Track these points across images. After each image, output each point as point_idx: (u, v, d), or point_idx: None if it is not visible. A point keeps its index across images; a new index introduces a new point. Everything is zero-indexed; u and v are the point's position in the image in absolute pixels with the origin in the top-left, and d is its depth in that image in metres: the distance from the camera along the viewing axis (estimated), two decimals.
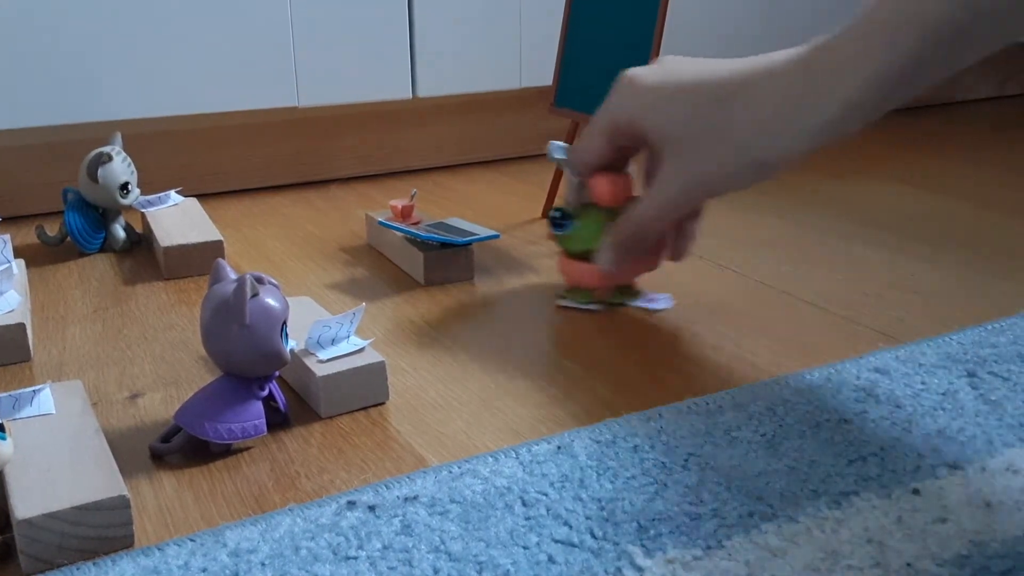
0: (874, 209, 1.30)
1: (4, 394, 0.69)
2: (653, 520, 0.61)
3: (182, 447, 0.71)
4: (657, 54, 1.06)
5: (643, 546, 0.59)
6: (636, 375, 0.82)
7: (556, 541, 0.59)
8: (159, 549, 0.59)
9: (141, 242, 1.15)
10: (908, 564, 0.56)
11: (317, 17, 1.31)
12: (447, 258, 1.03)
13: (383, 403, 0.78)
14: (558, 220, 0.89)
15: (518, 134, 1.56)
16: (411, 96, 1.41)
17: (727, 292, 1.01)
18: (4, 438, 0.59)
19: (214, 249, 1.05)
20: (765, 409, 0.75)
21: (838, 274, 1.05)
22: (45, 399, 0.70)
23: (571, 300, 0.95)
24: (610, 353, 0.86)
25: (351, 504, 0.63)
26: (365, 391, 0.77)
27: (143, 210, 1.14)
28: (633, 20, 1.09)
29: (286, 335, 0.72)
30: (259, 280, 0.72)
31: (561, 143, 0.93)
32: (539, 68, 1.47)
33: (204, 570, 0.57)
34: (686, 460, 0.68)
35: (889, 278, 1.04)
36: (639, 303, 0.95)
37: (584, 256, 0.90)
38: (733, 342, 0.88)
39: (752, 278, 1.05)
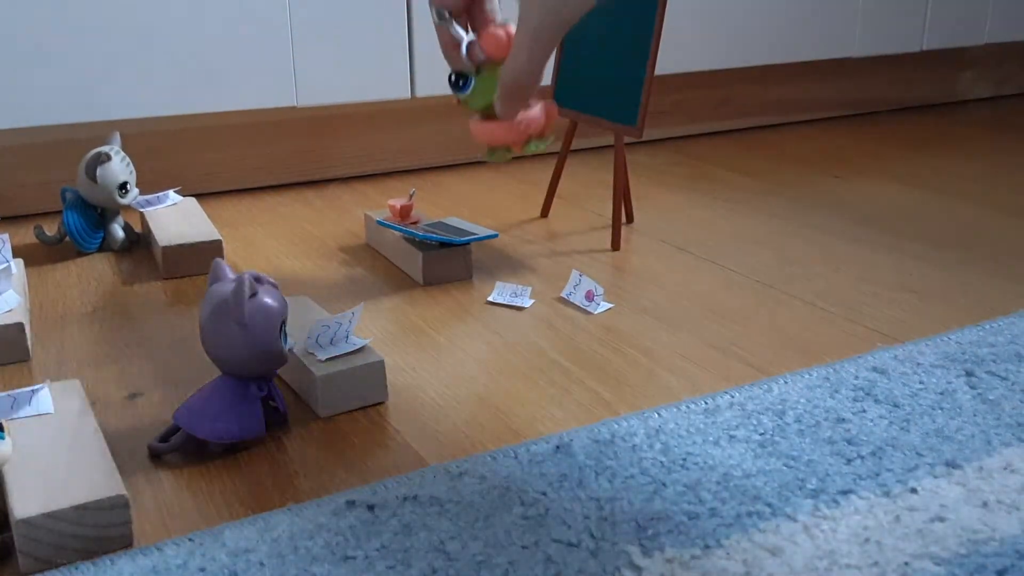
0: (873, 209, 1.30)
1: (3, 394, 0.69)
2: (651, 519, 0.61)
3: (181, 447, 0.71)
4: (656, 54, 1.06)
5: (641, 545, 0.59)
6: (635, 375, 0.82)
7: (555, 541, 0.59)
8: (158, 549, 0.59)
9: (140, 242, 1.14)
10: (906, 563, 0.56)
11: (316, 17, 1.31)
12: (446, 258, 1.03)
13: (382, 403, 0.78)
14: (456, 82, 0.89)
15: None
16: (410, 96, 1.41)
17: (726, 292, 1.01)
18: (3, 437, 0.59)
19: (213, 249, 1.05)
20: (763, 408, 0.75)
21: (837, 274, 1.05)
22: (44, 399, 0.70)
23: (493, 159, 0.93)
24: (609, 353, 0.86)
25: (350, 504, 0.63)
26: (364, 390, 0.77)
27: (142, 210, 1.14)
28: (632, 20, 1.09)
29: (285, 334, 0.72)
30: (258, 280, 0.72)
31: (442, 8, 0.90)
32: None
33: (203, 570, 0.57)
34: (684, 459, 0.68)
35: (887, 278, 1.04)
36: (581, 304, 0.95)
37: (490, 110, 0.88)
38: (732, 342, 0.88)
39: (751, 278, 1.05)
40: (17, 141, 1.22)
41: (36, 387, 0.71)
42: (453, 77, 0.90)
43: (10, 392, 0.69)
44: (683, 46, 1.57)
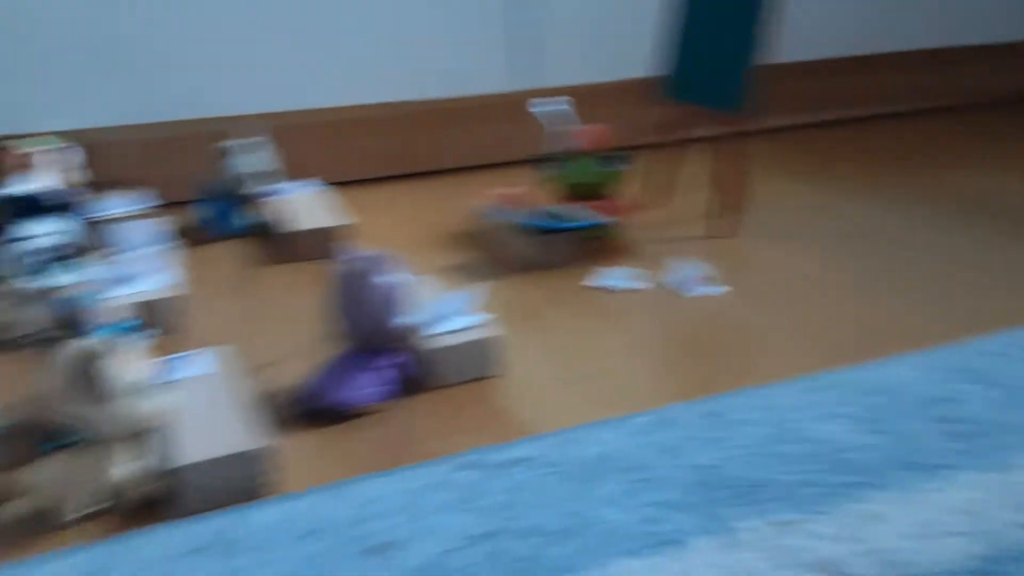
0: (989, 200, 1.27)
1: (166, 357, 0.77)
2: (753, 487, 0.64)
3: (315, 410, 0.77)
4: (768, 43, 1.07)
5: (742, 508, 0.62)
6: (740, 355, 0.85)
7: (659, 503, 0.63)
8: (297, 496, 0.65)
9: (275, 227, 1.23)
10: (1005, 532, 0.57)
11: (437, 14, 1.37)
12: (553, 243, 1.07)
13: (496, 376, 0.83)
14: (548, 162, 1.14)
15: (628, 125, 1.58)
16: (527, 88, 1.45)
17: (834, 278, 1.01)
18: (159, 393, 0.67)
19: (341, 233, 1.13)
20: (869, 388, 0.76)
21: (945, 263, 1.04)
22: (201, 362, 0.78)
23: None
24: (715, 334, 0.89)
25: (469, 463, 0.68)
26: (479, 364, 0.83)
27: (277, 197, 1.22)
28: (742, 9, 1.11)
29: (406, 310, 0.78)
30: (382, 259, 0.78)
31: (541, 99, 1.17)
32: (649, 59, 1.49)
33: (337, 515, 0.63)
34: (788, 433, 0.70)
35: (986, 266, 1.03)
36: (687, 288, 1.00)
37: (572, 191, 1.13)
38: (838, 325, 0.89)
39: (860, 265, 1.05)
40: (168, 134, 1.33)
41: (194, 352, 0.79)
42: (545, 158, 1.13)
43: (172, 356, 0.78)
44: (800, 35, 1.56)
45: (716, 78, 1.14)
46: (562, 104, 1.16)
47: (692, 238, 1.16)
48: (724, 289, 0.99)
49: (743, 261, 1.08)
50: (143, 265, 0.95)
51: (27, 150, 1.09)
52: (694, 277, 1.00)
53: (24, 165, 1.04)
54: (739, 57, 1.11)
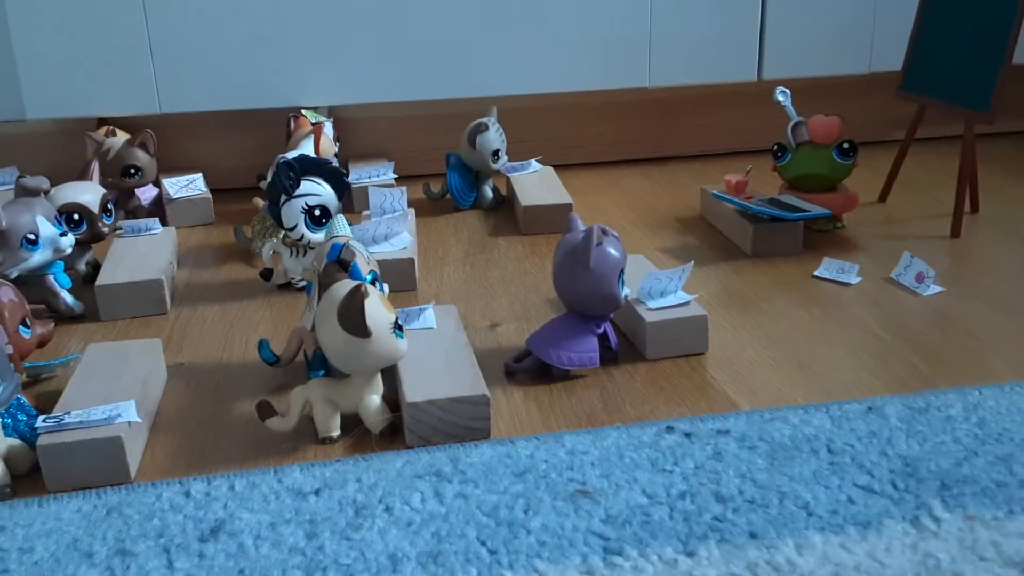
0: None
1: (400, 309, 0.86)
2: (957, 481, 0.64)
3: (530, 368, 0.84)
4: (1015, 39, 1.02)
5: (944, 501, 0.62)
6: (958, 355, 0.83)
7: (857, 486, 0.64)
8: (511, 441, 0.72)
9: (504, 201, 1.31)
10: None
11: (671, 3, 1.40)
12: (776, 231, 1.08)
13: (702, 353, 0.86)
14: (777, 152, 1.14)
15: (864, 118, 1.54)
16: (756, 79, 1.45)
17: None
18: (401, 336, 0.75)
19: (565, 211, 1.18)
20: None
21: None
22: (428, 316, 0.86)
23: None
24: (933, 332, 0.87)
25: (669, 429, 0.72)
26: (687, 340, 0.86)
27: (508, 175, 1.30)
28: (999, 7, 1.06)
29: (623, 282, 0.82)
30: (604, 232, 0.82)
31: (785, 88, 1.17)
32: (890, 53, 1.44)
33: (546, 461, 0.69)
34: (1000, 434, 0.69)
35: None
36: (910, 285, 0.97)
37: (799, 181, 1.12)
38: None
39: None
40: (412, 112, 1.44)
41: (423, 307, 0.87)
42: (775, 147, 1.14)
43: (404, 309, 0.86)
44: None
45: (964, 74, 1.10)
46: (783, 94, 1.16)
47: (914, 235, 1.13)
48: (944, 288, 0.96)
49: (967, 262, 1.04)
50: (387, 228, 1.06)
51: (319, 119, 1.24)
52: (914, 274, 0.97)
53: (315, 133, 1.19)
54: (991, 54, 1.07)
